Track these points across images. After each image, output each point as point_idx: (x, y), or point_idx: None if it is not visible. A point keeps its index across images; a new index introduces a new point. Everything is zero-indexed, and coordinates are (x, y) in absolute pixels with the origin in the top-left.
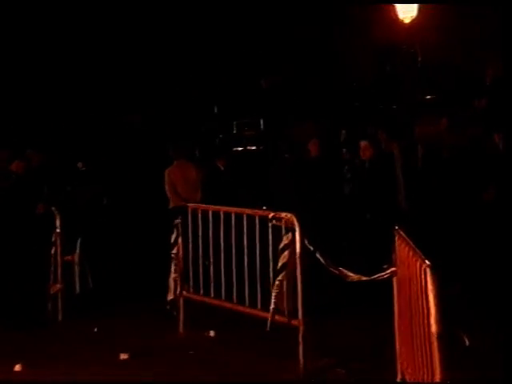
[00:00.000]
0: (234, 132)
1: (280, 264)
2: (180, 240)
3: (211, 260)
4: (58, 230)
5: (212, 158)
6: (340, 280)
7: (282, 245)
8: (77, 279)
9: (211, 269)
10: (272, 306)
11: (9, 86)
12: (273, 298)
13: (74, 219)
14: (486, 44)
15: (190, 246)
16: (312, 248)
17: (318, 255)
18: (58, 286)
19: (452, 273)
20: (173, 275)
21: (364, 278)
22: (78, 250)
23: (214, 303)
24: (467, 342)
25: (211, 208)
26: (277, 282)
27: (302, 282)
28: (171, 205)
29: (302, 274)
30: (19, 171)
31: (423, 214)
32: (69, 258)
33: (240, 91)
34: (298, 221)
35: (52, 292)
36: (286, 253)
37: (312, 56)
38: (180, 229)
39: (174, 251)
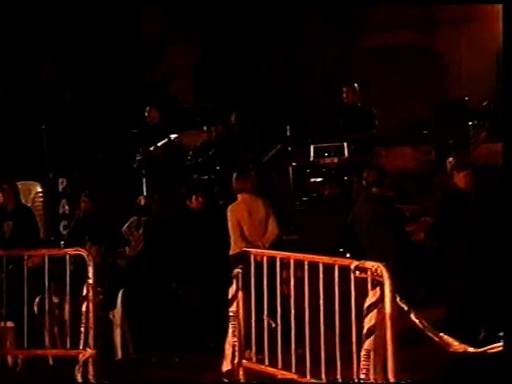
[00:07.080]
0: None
1: (366, 328)
2: (240, 294)
3: (279, 321)
4: (90, 281)
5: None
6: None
7: (367, 303)
8: (118, 343)
9: (279, 332)
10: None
11: None
12: (361, 371)
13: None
14: None
15: (253, 302)
16: (406, 307)
17: (413, 316)
18: (89, 351)
19: None
20: (230, 339)
21: (471, 350)
22: (119, 306)
23: (281, 376)
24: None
25: (279, 255)
26: (363, 352)
27: (394, 352)
28: (233, 250)
29: (393, 340)
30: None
31: None
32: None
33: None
34: (388, 272)
35: (81, 359)
36: (374, 313)
37: None
38: (241, 281)
39: (233, 308)
